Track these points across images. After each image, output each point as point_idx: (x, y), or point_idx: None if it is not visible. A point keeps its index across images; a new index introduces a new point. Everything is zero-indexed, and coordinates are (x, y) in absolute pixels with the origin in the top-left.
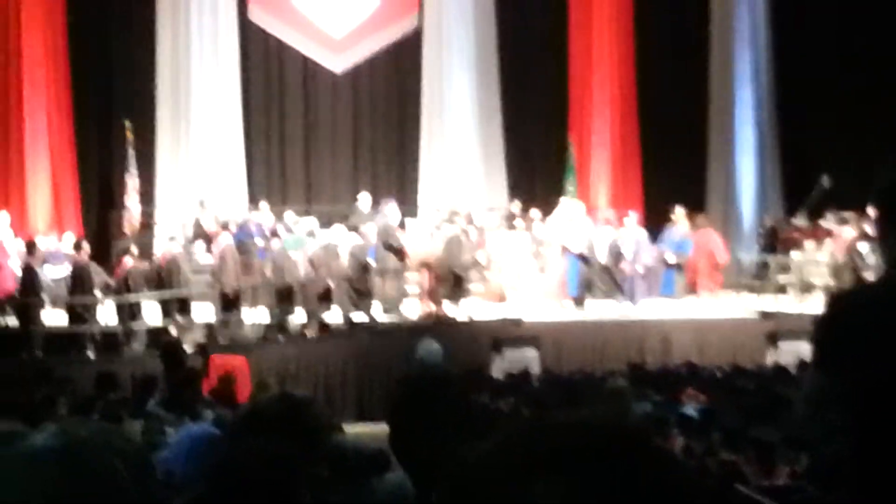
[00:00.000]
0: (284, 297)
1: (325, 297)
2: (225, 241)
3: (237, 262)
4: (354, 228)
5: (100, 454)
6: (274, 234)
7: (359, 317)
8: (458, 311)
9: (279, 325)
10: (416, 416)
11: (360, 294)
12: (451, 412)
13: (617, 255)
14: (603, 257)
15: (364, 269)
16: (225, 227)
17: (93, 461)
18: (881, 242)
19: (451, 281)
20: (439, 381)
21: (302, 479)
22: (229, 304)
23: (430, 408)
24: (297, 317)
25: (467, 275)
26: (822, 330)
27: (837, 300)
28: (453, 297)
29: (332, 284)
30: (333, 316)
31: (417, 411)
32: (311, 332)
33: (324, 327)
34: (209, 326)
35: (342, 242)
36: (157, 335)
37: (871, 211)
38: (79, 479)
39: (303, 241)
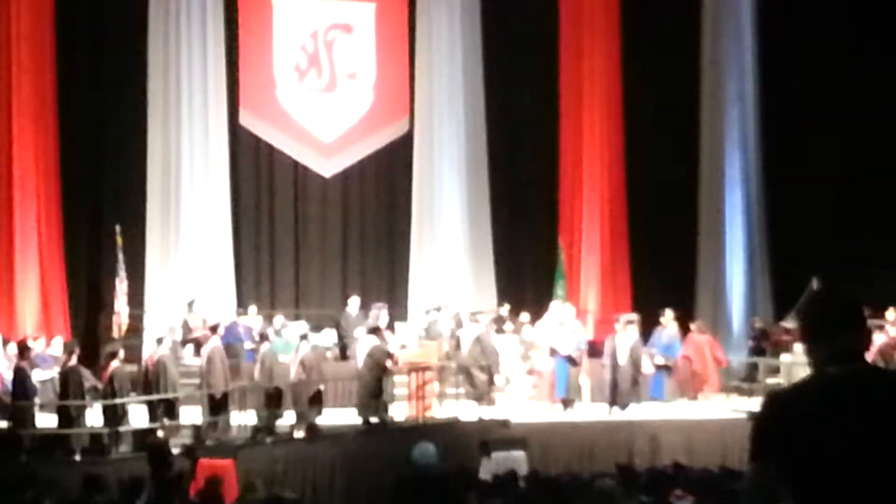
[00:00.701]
0: (273, 400)
1: (316, 401)
2: (213, 343)
3: (225, 364)
4: (375, 330)
5: None
6: (263, 337)
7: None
8: (445, 412)
9: (267, 428)
10: None
11: (375, 395)
12: None
13: (637, 359)
14: (623, 359)
15: (383, 370)
16: (214, 329)
17: None
18: (808, 352)
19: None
20: (435, 481)
21: None
22: (217, 406)
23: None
24: (286, 419)
25: (494, 371)
26: (761, 425)
27: (773, 398)
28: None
29: (322, 388)
30: (324, 419)
31: None
32: (299, 434)
33: (313, 429)
34: (196, 429)
35: (331, 345)
36: (144, 437)
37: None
38: None
39: (291, 344)
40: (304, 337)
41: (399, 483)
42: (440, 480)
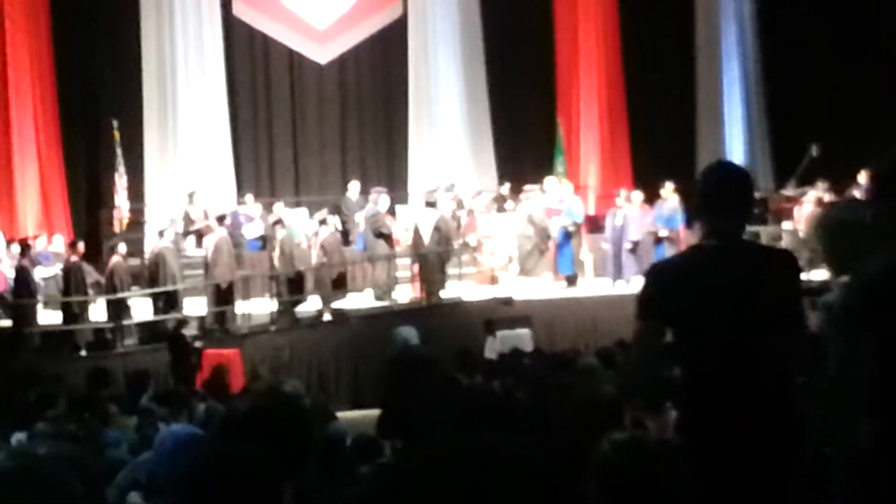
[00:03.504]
0: (295, 286)
1: (340, 284)
2: (220, 233)
3: (232, 254)
4: (432, 204)
5: (56, 474)
6: (278, 222)
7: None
8: (449, 293)
9: (289, 313)
10: (404, 396)
11: (441, 270)
12: (438, 392)
13: None
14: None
15: (447, 242)
16: (221, 220)
17: (49, 480)
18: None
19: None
20: (424, 362)
21: (281, 481)
22: (222, 297)
23: (417, 388)
24: (308, 304)
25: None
26: (646, 289)
27: (655, 266)
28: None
29: (345, 271)
30: (347, 302)
31: (406, 391)
32: (326, 318)
33: (340, 313)
34: (201, 320)
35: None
36: (148, 331)
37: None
38: (34, 499)
39: (293, 231)
40: (322, 221)
41: (390, 365)
42: (428, 360)
